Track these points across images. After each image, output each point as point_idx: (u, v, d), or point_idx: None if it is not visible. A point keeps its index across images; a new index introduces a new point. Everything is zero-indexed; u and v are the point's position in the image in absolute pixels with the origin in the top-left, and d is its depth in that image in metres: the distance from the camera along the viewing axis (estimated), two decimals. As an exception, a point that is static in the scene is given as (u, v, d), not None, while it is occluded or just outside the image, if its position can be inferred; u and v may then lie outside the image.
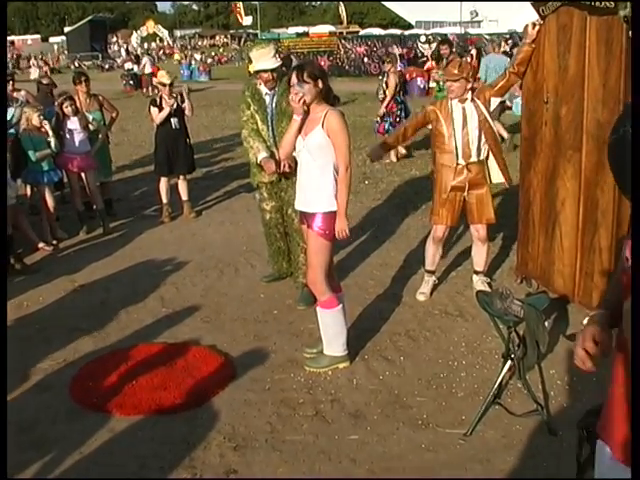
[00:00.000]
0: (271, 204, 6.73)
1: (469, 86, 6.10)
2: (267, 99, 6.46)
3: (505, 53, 17.26)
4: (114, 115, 9.95)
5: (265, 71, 6.31)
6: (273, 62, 6.33)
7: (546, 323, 4.57)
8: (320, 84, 4.93)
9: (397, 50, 29.01)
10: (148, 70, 28.94)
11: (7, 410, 4.10)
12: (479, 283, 6.52)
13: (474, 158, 6.13)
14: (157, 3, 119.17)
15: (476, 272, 6.62)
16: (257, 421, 4.60)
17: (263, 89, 6.46)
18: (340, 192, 4.96)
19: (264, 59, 6.30)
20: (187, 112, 9.34)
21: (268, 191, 6.71)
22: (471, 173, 6.14)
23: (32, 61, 43.83)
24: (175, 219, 9.58)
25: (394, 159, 13.02)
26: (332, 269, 5.36)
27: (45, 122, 8.42)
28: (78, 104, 9.13)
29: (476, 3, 51.27)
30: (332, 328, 5.20)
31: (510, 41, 31.54)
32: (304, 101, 4.85)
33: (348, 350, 5.27)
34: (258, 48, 6.46)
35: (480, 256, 6.55)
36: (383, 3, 67.53)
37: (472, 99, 6.12)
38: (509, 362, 4.47)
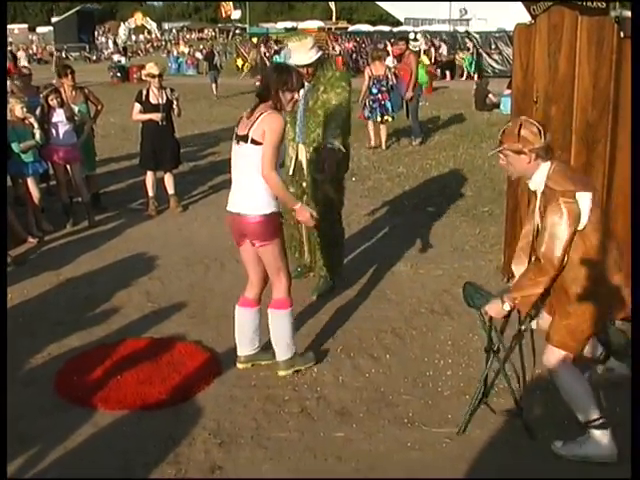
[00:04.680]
0: (291, 190, 6.27)
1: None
2: (300, 93, 6.01)
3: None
4: (99, 108, 9.86)
5: (299, 67, 5.76)
6: (309, 57, 6.01)
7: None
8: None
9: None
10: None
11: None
12: None
13: None
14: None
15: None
16: (242, 417, 4.58)
17: None
18: None
19: (299, 52, 6.01)
20: (175, 114, 9.33)
21: (290, 178, 6.47)
22: None
23: (20, 52, 43.48)
24: (161, 213, 9.54)
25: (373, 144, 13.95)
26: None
27: (29, 114, 8.36)
28: (63, 96, 9.07)
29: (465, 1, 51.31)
30: None
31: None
32: None
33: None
34: (295, 40, 6.19)
35: None
36: (372, -1, 67.40)
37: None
38: (492, 356, 4.35)
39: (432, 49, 33.45)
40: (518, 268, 4.26)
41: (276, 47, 33.09)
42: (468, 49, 33.61)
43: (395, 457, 4.16)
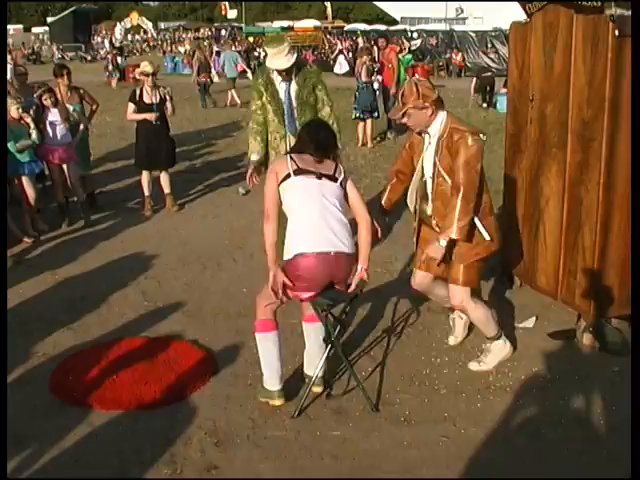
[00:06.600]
0: None
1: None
2: (283, 86, 6.37)
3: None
4: (94, 107, 9.82)
5: (279, 71, 6.22)
6: (287, 60, 6.18)
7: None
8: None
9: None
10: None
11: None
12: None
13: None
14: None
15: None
16: (239, 417, 4.58)
17: (277, 77, 6.36)
18: None
19: (278, 57, 6.17)
20: (169, 112, 9.30)
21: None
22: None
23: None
24: (157, 212, 9.52)
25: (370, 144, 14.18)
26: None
27: (25, 114, 8.34)
28: (59, 96, 9.03)
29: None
30: None
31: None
32: None
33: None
34: (273, 45, 6.27)
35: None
36: (368, -2, 67.37)
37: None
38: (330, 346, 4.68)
39: (375, 48, 33.17)
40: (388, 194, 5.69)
41: (217, 48, 32.85)
42: (404, 49, 33.48)
43: (391, 456, 4.15)
